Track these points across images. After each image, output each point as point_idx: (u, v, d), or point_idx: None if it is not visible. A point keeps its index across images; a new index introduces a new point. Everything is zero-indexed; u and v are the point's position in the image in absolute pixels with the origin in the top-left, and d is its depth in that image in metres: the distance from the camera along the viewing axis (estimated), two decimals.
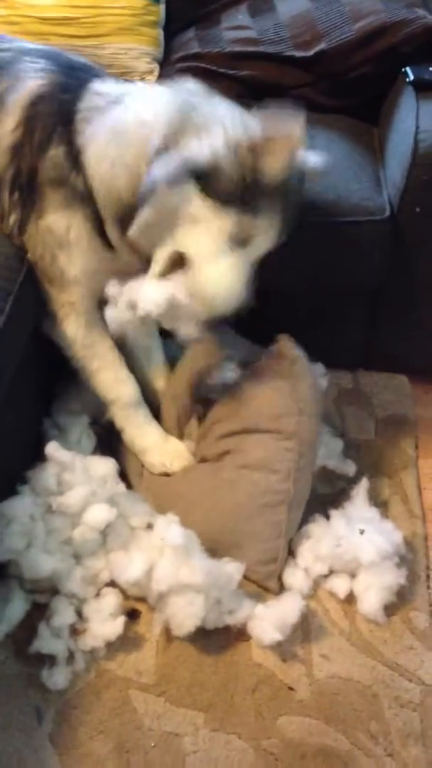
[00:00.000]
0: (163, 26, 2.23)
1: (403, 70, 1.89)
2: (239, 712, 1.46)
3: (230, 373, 1.72)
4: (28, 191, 1.54)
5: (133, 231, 1.43)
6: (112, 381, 1.69)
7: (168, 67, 2.18)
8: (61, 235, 1.55)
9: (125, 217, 1.45)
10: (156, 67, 2.20)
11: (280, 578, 1.62)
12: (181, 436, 1.80)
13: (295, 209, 1.46)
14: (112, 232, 1.53)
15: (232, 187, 1.34)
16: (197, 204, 1.37)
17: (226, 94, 2.03)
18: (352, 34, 1.96)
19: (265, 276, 1.58)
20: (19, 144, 1.52)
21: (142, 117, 1.44)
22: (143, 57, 2.17)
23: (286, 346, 1.74)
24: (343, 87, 2.04)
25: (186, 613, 1.48)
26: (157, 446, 1.74)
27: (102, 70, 1.64)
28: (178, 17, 2.27)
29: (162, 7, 2.21)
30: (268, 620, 1.51)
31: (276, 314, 1.78)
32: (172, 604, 1.49)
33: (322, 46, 1.98)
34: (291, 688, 1.49)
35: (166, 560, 1.50)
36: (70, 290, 1.62)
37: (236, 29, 2.13)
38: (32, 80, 1.53)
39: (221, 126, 1.36)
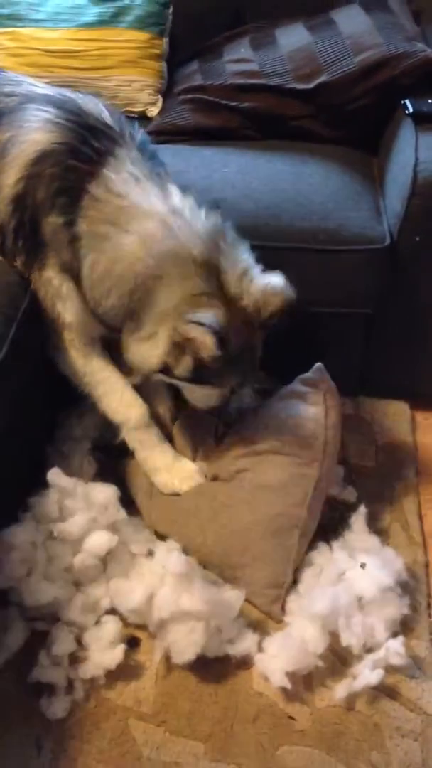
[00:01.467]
0: (167, 59, 2.28)
1: (402, 102, 1.93)
2: (240, 742, 1.45)
3: (248, 399, 1.75)
4: (31, 242, 1.56)
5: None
6: (118, 404, 1.70)
7: (171, 98, 2.22)
8: (57, 289, 1.59)
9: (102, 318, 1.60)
10: (159, 98, 2.24)
11: (283, 607, 1.61)
12: (193, 457, 1.80)
13: (258, 347, 1.62)
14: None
15: (184, 375, 1.55)
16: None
17: (229, 125, 2.10)
18: (352, 66, 2.00)
19: None
20: (21, 197, 1.53)
21: (135, 259, 1.50)
22: (147, 89, 2.21)
23: (322, 376, 1.76)
24: (344, 118, 2.07)
25: (187, 641, 1.47)
26: (167, 467, 1.73)
27: (124, 134, 1.59)
28: (181, 50, 2.33)
29: (165, 41, 2.26)
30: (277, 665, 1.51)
31: (275, 339, 1.79)
32: (172, 631, 1.49)
33: (323, 78, 2.02)
34: (292, 718, 1.48)
35: (167, 588, 1.50)
36: (67, 330, 1.65)
37: (238, 62, 2.17)
38: (38, 133, 1.52)
39: (170, 320, 1.49)
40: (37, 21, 2.19)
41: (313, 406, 1.71)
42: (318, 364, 1.79)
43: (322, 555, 1.69)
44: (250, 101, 2.09)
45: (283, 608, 1.61)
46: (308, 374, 1.78)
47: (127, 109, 2.22)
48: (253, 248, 1.76)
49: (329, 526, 1.80)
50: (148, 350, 1.53)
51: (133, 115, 2.23)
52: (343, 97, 2.03)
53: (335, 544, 1.72)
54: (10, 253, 1.60)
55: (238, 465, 1.70)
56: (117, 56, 2.18)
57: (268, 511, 1.63)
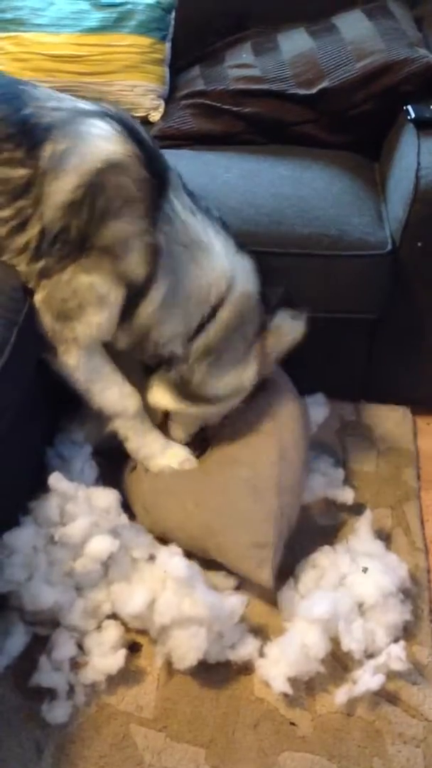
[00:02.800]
0: (169, 64, 2.28)
1: (404, 108, 1.93)
2: (241, 747, 1.45)
3: None
4: (74, 247, 1.55)
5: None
6: (118, 397, 1.71)
7: (173, 103, 2.22)
8: (102, 295, 1.58)
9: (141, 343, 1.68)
10: (161, 103, 2.24)
11: (274, 573, 1.59)
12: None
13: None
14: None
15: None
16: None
17: (231, 130, 2.10)
18: (354, 72, 2.00)
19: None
20: (77, 203, 1.52)
21: (204, 295, 1.62)
22: (149, 94, 2.22)
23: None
24: (345, 124, 2.07)
25: (188, 646, 1.47)
26: (161, 452, 1.77)
27: (160, 156, 1.64)
28: (183, 55, 2.33)
29: (168, 46, 2.26)
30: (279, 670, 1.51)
31: None
32: (174, 637, 1.49)
33: (324, 84, 2.02)
34: (293, 724, 1.48)
35: (168, 593, 1.50)
36: (78, 329, 1.63)
37: (240, 67, 2.18)
38: (104, 142, 1.52)
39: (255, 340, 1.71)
40: (40, 26, 2.19)
41: (262, 392, 1.78)
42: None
43: (325, 557, 1.69)
44: (252, 106, 2.09)
45: (273, 574, 1.59)
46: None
47: (130, 114, 2.22)
48: (255, 254, 1.78)
49: (333, 527, 1.80)
50: (244, 370, 1.69)
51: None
52: (345, 103, 2.04)
53: (339, 548, 1.72)
54: (40, 258, 1.58)
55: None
56: (119, 61, 2.18)
57: (239, 475, 1.67)
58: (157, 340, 1.64)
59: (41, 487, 1.64)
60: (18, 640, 1.52)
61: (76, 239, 1.54)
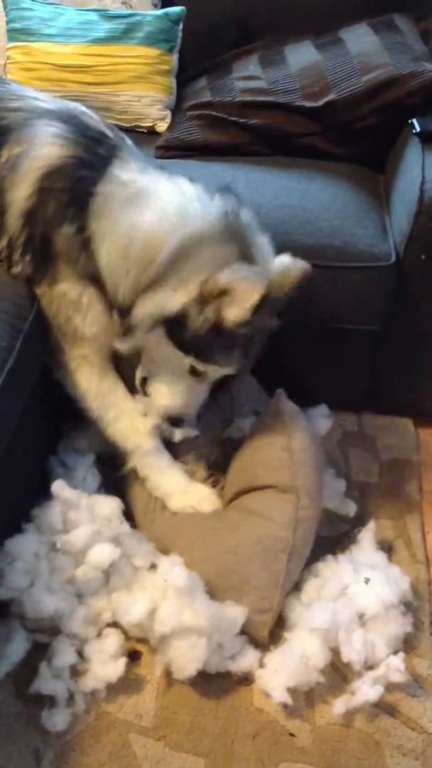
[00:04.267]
0: (176, 75, 2.30)
1: (409, 121, 1.94)
2: (240, 758, 1.44)
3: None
4: (41, 257, 1.57)
5: (121, 345, 1.61)
6: (131, 430, 1.70)
7: (180, 114, 2.24)
8: (76, 300, 1.59)
9: (124, 312, 1.56)
10: (168, 114, 2.26)
11: (271, 634, 1.58)
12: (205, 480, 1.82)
13: (260, 339, 1.61)
14: (114, 313, 1.59)
15: (191, 337, 1.52)
16: (164, 344, 1.55)
17: (237, 141, 2.12)
18: (360, 85, 2.01)
19: None
20: (32, 212, 1.53)
21: (153, 232, 1.49)
22: (156, 104, 2.23)
23: (281, 401, 1.79)
24: (351, 136, 2.09)
25: (188, 657, 1.47)
26: (182, 491, 1.73)
27: (121, 140, 1.64)
28: (190, 66, 2.35)
29: (175, 57, 2.28)
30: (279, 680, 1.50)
31: (281, 356, 1.80)
32: (174, 646, 1.49)
33: (331, 96, 2.03)
34: (292, 735, 1.48)
35: (169, 602, 1.50)
36: (83, 345, 1.65)
37: (247, 79, 2.20)
38: (48, 147, 1.53)
39: (203, 274, 1.47)
40: (49, 36, 2.21)
41: (276, 434, 1.72)
42: (278, 390, 1.81)
43: (327, 567, 1.69)
44: (259, 118, 2.11)
45: (270, 635, 1.58)
46: (270, 402, 1.82)
47: (137, 124, 2.25)
48: None
49: (335, 538, 1.80)
50: (169, 296, 1.48)
51: (142, 130, 2.26)
52: (351, 116, 2.05)
53: (341, 558, 1.72)
54: (18, 266, 1.60)
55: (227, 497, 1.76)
56: (127, 72, 2.20)
57: (253, 534, 1.62)
58: (121, 303, 1.56)
59: (44, 495, 1.65)
60: (19, 646, 1.52)
61: (41, 249, 1.56)
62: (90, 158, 1.54)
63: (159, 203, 1.51)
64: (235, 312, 1.45)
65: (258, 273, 1.48)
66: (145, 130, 2.26)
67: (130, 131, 2.21)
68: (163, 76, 2.25)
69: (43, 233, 1.54)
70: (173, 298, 1.48)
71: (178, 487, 1.72)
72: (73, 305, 1.59)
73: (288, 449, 1.69)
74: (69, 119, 1.59)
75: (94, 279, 1.56)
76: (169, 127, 2.23)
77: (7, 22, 2.26)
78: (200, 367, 1.58)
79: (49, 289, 1.59)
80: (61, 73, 2.20)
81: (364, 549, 1.75)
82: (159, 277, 1.49)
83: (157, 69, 2.23)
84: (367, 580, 1.62)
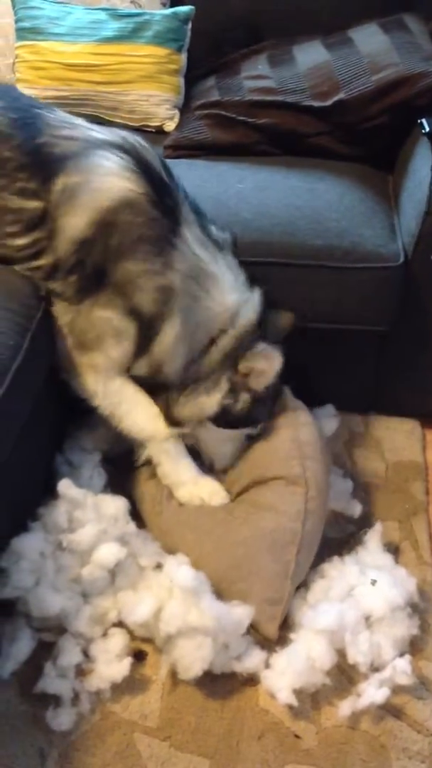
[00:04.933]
0: (184, 74, 2.29)
1: (419, 121, 1.93)
2: (245, 759, 1.44)
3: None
4: (89, 282, 1.57)
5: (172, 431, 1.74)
6: (146, 418, 1.71)
7: (188, 113, 2.23)
8: (119, 330, 1.61)
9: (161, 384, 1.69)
10: (176, 113, 2.25)
11: (280, 627, 1.58)
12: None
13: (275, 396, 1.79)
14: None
15: (236, 419, 1.71)
16: (216, 430, 1.74)
17: (245, 141, 2.11)
18: (370, 85, 2.00)
19: None
20: (89, 241, 1.53)
21: (214, 329, 1.63)
22: (164, 104, 2.23)
23: (286, 397, 1.83)
24: (360, 136, 2.08)
25: (194, 657, 1.47)
26: (192, 481, 1.74)
27: (177, 190, 1.62)
28: (199, 65, 2.34)
29: (184, 56, 2.27)
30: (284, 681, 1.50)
31: (289, 357, 1.80)
32: (179, 646, 1.49)
33: (340, 96, 2.03)
34: (297, 736, 1.47)
35: (175, 602, 1.50)
36: (98, 356, 1.65)
37: (256, 78, 2.19)
38: (115, 179, 1.53)
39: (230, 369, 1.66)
40: (58, 35, 2.20)
41: (282, 428, 1.76)
42: (284, 388, 1.84)
43: (333, 568, 1.69)
44: (267, 118, 2.10)
45: (279, 628, 1.58)
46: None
47: (145, 123, 2.25)
48: (268, 265, 1.79)
49: (342, 540, 1.80)
50: (205, 400, 1.65)
51: (150, 129, 2.25)
52: (360, 116, 2.04)
53: (348, 559, 1.71)
54: (55, 283, 1.60)
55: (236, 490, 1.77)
56: (135, 71, 2.19)
57: (263, 526, 1.64)
58: (168, 371, 1.64)
59: (50, 494, 1.65)
60: (24, 645, 1.52)
61: (92, 275, 1.56)
62: (163, 202, 1.55)
63: (227, 298, 1.62)
64: (263, 382, 1.66)
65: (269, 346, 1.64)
66: (153, 130, 2.25)
67: (137, 131, 2.21)
68: (172, 75, 2.24)
69: (97, 262, 1.55)
70: (210, 401, 1.66)
71: (189, 478, 1.74)
72: (113, 331, 1.62)
73: (296, 440, 1.73)
74: (132, 152, 1.58)
75: (143, 322, 1.60)
76: (178, 127, 2.23)
77: (16, 21, 2.25)
78: (252, 431, 1.76)
79: (90, 310, 1.60)
80: (70, 72, 2.19)
81: (371, 550, 1.75)
82: (203, 375, 1.64)
83: (165, 68, 2.22)
84: (373, 582, 1.62)
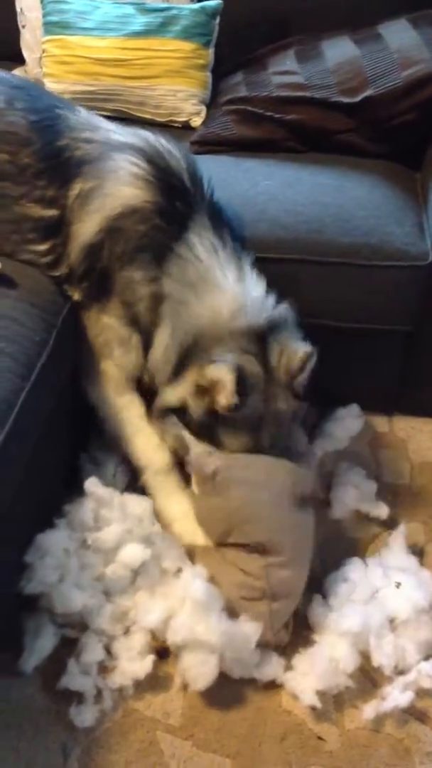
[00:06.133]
0: (212, 69, 2.28)
1: None
2: (267, 760, 1.43)
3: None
4: (97, 288, 1.58)
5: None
6: (145, 447, 1.70)
7: (215, 109, 2.22)
8: (123, 337, 1.63)
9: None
10: (203, 109, 2.24)
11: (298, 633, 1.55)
12: None
13: (284, 422, 1.61)
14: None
15: (194, 423, 1.60)
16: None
17: (272, 137, 2.09)
18: (399, 81, 1.98)
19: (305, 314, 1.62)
20: (96, 246, 1.54)
21: (203, 331, 1.56)
22: (191, 99, 2.22)
23: (199, 462, 1.62)
24: (388, 133, 2.05)
25: (198, 671, 1.46)
26: (186, 516, 1.66)
27: (199, 193, 1.61)
28: (226, 61, 2.32)
29: (211, 51, 2.26)
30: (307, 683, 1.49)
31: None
32: (186, 658, 1.48)
33: (368, 92, 2.00)
34: (321, 738, 1.47)
35: (184, 613, 1.48)
36: (107, 365, 1.67)
37: (283, 74, 2.17)
38: (126, 188, 1.52)
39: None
40: (86, 29, 2.20)
41: (212, 497, 1.61)
42: (194, 450, 1.65)
43: (356, 571, 1.67)
44: (295, 114, 2.08)
45: (298, 637, 1.55)
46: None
47: (171, 118, 2.24)
48: (294, 262, 1.78)
49: (366, 541, 1.79)
50: (173, 390, 1.60)
51: (176, 124, 2.24)
52: (388, 112, 2.02)
53: (371, 561, 1.70)
54: (74, 292, 1.63)
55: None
56: (163, 66, 2.18)
57: (233, 580, 1.57)
58: (161, 380, 1.64)
59: (75, 490, 1.65)
60: (47, 641, 1.52)
61: (99, 282, 1.58)
62: (170, 210, 1.54)
63: (218, 302, 1.55)
64: (222, 399, 1.50)
65: (233, 361, 1.50)
66: (180, 125, 2.24)
67: (164, 126, 2.21)
68: (199, 70, 2.23)
69: (103, 269, 1.56)
70: (174, 393, 1.59)
71: (181, 512, 1.66)
72: (118, 339, 1.63)
73: (225, 511, 1.59)
74: (151, 158, 1.57)
75: (142, 330, 1.61)
76: (204, 122, 2.21)
77: (44, 15, 2.25)
78: (209, 447, 1.61)
79: (98, 316, 1.62)
80: (97, 66, 2.19)
81: (395, 552, 1.73)
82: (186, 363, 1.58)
83: (192, 63, 2.21)
84: (398, 585, 1.61)
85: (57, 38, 2.21)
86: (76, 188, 1.54)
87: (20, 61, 2.41)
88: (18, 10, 2.37)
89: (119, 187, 1.53)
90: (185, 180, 1.60)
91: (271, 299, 1.61)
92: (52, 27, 2.23)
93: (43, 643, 1.52)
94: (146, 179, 1.54)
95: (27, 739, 1.44)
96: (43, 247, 1.60)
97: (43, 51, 2.26)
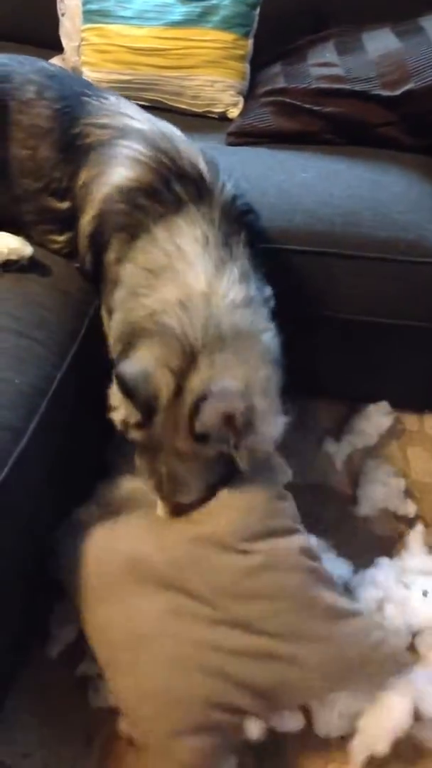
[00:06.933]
0: (250, 60, 2.26)
1: None
2: None
3: None
4: (103, 281, 1.51)
5: None
6: None
7: (253, 100, 2.20)
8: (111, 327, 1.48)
9: None
10: (240, 100, 2.23)
11: None
12: None
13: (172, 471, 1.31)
14: None
15: None
16: None
17: (309, 129, 2.08)
18: None
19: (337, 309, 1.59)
20: (94, 234, 1.49)
21: (142, 322, 1.33)
22: (229, 90, 2.20)
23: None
24: (428, 127, 2.02)
25: None
26: None
27: (218, 188, 1.43)
28: (264, 51, 2.31)
29: (250, 42, 2.24)
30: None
31: (344, 351, 1.77)
32: None
33: (410, 85, 1.97)
34: None
35: None
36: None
37: (323, 66, 2.15)
38: (119, 169, 1.45)
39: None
40: (125, 18, 2.19)
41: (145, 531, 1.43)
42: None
43: (380, 573, 1.65)
44: (333, 106, 2.06)
45: None
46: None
47: (208, 109, 2.23)
48: (330, 255, 1.76)
49: (392, 539, 1.78)
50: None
51: (213, 115, 2.23)
52: (429, 106, 1.98)
53: (395, 562, 1.68)
54: (86, 280, 1.60)
55: None
56: (201, 56, 2.17)
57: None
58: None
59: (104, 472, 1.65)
60: (73, 628, 1.52)
61: (96, 271, 1.53)
62: (161, 190, 1.41)
63: (166, 295, 1.30)
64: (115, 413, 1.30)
65: (135, 369, 1.24)
66: (217, 116, 2.23)
67: (201, 117, 2.20)
68: (237, 61, 2.21)
69: (98, 256, 1.50)
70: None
71: None
72: (111, 329, 1.47)
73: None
74: (155, 142, 1.47)
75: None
76: (241, 113, 2.20)
77: (83, 3, 2.25)
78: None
79: (104, 313, 1.55)
80: (135, 56, 2.18)
81: (415, 554, 1.72)
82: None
83: (231, 54, 2.19)
84: (425, 593, 1.58)
85: (96, 26, 2.21)
86: (83, 177, 1.51)
87: (59, 49, 2.41)
88: None
89: (113, 171, 1.46)
90: (194, 166, 1.44)
91: (248, 316, 1.31)
92: (91, 15, 2.23)
93: (69, 630, 1.53)
94: (138, 161, 1.44)
95: (51, 725, 1.45)
96: (62, 239, 1.58)
97: (82, 39, 2.26)
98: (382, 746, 1.36)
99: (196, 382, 1.23)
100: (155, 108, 2.03)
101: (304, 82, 2.12)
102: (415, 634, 1.54)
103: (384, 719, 1.35)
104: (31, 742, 1.43)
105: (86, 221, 1.51)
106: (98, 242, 1.49)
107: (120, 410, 1.28)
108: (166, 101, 2.22)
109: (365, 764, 1.39)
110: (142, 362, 1.26)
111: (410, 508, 1.83)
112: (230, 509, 1.35)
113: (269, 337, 1.35)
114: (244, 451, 1.26)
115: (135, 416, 1.25)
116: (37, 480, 1.36)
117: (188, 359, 1.24)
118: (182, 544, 1.36)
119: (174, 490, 1.32)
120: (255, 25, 2.25)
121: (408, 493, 1.88)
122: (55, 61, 2.39)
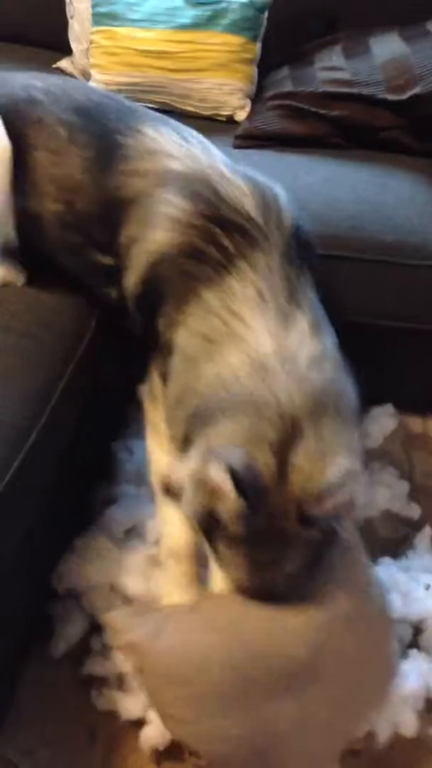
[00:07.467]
0: (257, 63, 2.27)
1: None
2: None
3: None
4: (153, 344, 1.40)
5: None
6: (153, 449, 1.49)
7: (260, 103, 2.21)
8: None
9: None
10: (248, 103, 2.24)
11: None
12: None
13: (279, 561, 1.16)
14: None
15: None
16: None
17: (316, 133, 2.08)
18: None
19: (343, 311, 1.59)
20: (141, 297, 1.40)
21: (208, 395, 1.23)
22: (236, 93, 2.22)
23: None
24: None
25: None
26: (171, 592, 1.43)
27: (271, 227, 1.32)
28: (272, 55, 2.32)
29: (258, 46, 2.25)
30: None
31: (351, 355, 1.77)
32: None
33: (416, 90, 1.99)
34: None
35: None
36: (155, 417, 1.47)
37: (330, 70, 2.16)
38: (159, 233, 1.34)
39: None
40: (134, 21, 2.20)
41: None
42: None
43: (384, 572, 1.65)
44: (340, 110, 2.07)
45: None
46: None
47: (216, 112, 2.24)
48: (335, 258, 1.76)
49: (395, 541, 1.78)
50: (179, 466, 1.24)
51: (221, 118, 2.24)
52: None
53: (399, 562, 1.69)
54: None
55: None
56: (209, 59, 2.19)
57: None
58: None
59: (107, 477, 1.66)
60: (77, 627, 1.53)
61: (150, 335, 1.40)
62: (208, 250, 1.29)
63: (232, 361, 1.20)
64: (222, 506, 1.11)
65: (242, 463, 1.08)
66: (224, 119, 2.25)
67: (208, 119, 2.21)
68: (245, 64, 2.23)
69: (148, 319, 1.39)
70: (178, 471, 1.25)
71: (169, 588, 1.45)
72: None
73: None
74: (198, 190, 1.34)
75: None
76: (249, 117, 2.21)
77: (93, 6, 2.26)
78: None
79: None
80: (144, 58, 2.19)
81: (422, 554, 1.72)
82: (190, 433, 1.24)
83: (239, 57, 2.20)
84: (428, 586, 1.59)
85: (105, 29, 2.23)
86: (123, 237, 1.40)
87: (67, 51, 2.43)
88: (67, 0, 2.39)
89: (153, 233, 1.35)
90: (239, 211, 1.31)
91: (329, 371, 1.21)
92: (100, 18, 2.24)
93: (73, 629, 1.54)
94: (179, 221, 1.32)
95: (55, 723, 1.45)
96: (113, 294, 1.47)
97: (91, 42, 2.27)
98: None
99: (303, 459, 1.10)
100: (163, 110, 2.03)
101: (311, 86, 2.13)
102: (417, 627, 1.55)
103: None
104: (35, 740, 1.43)
105: (132, 283, 1.40)
106: (146, 307, 1.39)
107: (224, 500, 1.08)
108: (174, 104, 2.23)
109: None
110: (235, 441, 1.12)
111: (414, 511, 1.84)
112: None
113: (351, 390, 1.25)
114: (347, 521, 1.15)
115: (239, 506, 1.07)
116: (42, 482, 1.37)
117: (287, 430, 1.12)
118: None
119: (289, 585, 1.15)
120: (263, 28, 2.26)
121: (412, 496, 1.88)
122: (64, 63, 2.42)
